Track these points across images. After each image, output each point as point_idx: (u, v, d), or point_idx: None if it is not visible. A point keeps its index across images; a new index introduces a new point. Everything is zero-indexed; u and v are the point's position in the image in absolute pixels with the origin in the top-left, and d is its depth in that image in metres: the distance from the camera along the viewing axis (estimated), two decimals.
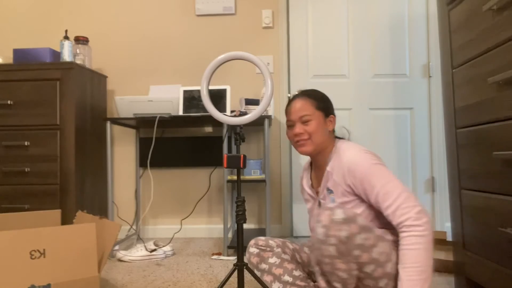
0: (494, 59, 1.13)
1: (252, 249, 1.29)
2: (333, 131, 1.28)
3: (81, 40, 2.40)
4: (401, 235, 1.02)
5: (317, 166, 1.31)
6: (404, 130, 2.54)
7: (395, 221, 1.04)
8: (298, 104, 1.24)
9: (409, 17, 2.54)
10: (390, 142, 2.54)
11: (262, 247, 1.28)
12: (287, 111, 1.27)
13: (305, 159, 2.52)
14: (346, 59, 2.56)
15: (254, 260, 1.27)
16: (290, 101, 1.28)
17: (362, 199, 1.14)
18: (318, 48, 2.57)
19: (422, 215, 1.01)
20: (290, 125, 1.26)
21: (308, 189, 1.33)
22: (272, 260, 1.24)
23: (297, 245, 1.35)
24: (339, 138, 1.30)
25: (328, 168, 1.21)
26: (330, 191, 1.21)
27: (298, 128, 1.22)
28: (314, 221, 1.23)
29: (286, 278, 1.20)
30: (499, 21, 1.10)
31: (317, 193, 1.29)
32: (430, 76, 2.53)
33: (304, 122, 1.22)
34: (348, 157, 1.14)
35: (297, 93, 1.30)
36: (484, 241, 1.22)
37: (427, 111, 2.53)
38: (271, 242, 1.29)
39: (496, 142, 1.13)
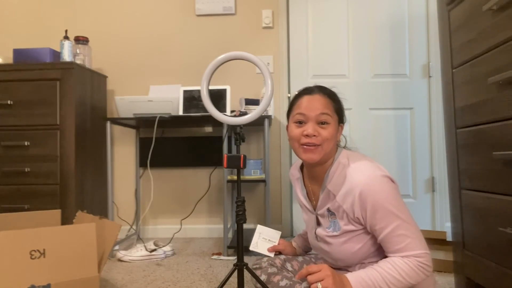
0: (494, 59, 1.13)
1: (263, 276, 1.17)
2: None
3: (81, 40, 2.40)
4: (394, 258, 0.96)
5: (312, 177, 1.14)
6: (404, 130, 2.54)
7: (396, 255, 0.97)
8: (319, 99, 1.04)
9: (409, 17, 2.54)
10: (390, 142, 2.54)
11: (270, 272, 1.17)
12: (300, 104, 1.06)
13: None
14: (346, 59, 2.56)
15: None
16: (305, 92, 1.08)
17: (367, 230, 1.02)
18: (318, 48, 2.57)
19: (428, 264, 0.95)
20: (300, 121, 1.05)
21: (304, 201, 1.17)
22: (283, 283, 1.12)
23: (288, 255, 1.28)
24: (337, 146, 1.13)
25: (329, 187, 1.05)
26: (331, 212, 1.07)
27: (312, 129, 1.02)
28: (312, 236, 1.17)
29: None
30: (499, 21, 1.10)
31: (313, 206, 1.15)
32: (430, 76, 2.53)
33: (321, 123, 1.03)
34: (360, 182, 0.97)
35: (311, 86, 1.11)
36: (484, 241, 1.22)
37: (427, 111, 2.53)
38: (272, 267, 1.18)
39: (496, 142, 1.13)
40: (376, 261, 1.02)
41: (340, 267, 1.11)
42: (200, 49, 2.63)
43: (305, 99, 1.06)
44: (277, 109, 2.56)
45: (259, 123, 2.20)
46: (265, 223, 2.08)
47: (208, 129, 2.58)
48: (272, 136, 2.57)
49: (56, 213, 1.70)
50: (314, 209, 1.15)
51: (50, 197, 2.12)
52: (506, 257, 1.10)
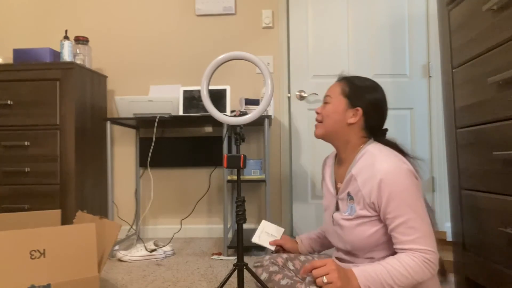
0: (494, 59, 1.13)
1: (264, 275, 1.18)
2: (366, 128, 1.14)
3: (81, 40, 2.40)
4: (401, 254, 0.97)
5: (339, 161, 1.21)
6: (404, 130, 2.54)
7: (403, 249, 0.98)
8: (334, 85, 1.19)
9: (409, 17, 2.54)
10: None
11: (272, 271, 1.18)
12: None
13: (306, 158, 2.53)
14: (346, 59, 2.56)
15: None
16: None
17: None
18: (318, 48, 2.57)
19: (434, 262, 0.96)
20: None
21: (330, 184, 1.22)
22: (284, 282, 1.12)
23: (291, 254, 1.28)
24: (374, 139, 1.16)
25: (353, 171, 1.09)
26: (350, 197, 1.10)
27: (319, 107, 1.19)
28: (329, 221, 1.19)
29: None
30: (499, 21, 1.10)
31: (336, 189, 1.19)
32: (430, 76, 2.53)
33: (325, 104, 1.18)
34: (383, 169, 1.00)
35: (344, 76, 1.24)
36: (484, 241, 1.22)
37: (427, 111, 2.53)
38: (274, 265, 1.19)
39: (496, 142, 1.13)
40: (384, 256, 1.03)
41: (349, 251, 1.12)
42: (200, 49, 2.63)
43: None
44: (277, 109, 2.56)
45: (259, 123, 2.20)
46: None
47: (208, 129, 2.58)
48: (272, 136, 2.57)
49: (56, 213, 1.70)
50: (337, 194, 1.18)
51: (50, 197, 2.12)
52: (506, 257, 1.10)
